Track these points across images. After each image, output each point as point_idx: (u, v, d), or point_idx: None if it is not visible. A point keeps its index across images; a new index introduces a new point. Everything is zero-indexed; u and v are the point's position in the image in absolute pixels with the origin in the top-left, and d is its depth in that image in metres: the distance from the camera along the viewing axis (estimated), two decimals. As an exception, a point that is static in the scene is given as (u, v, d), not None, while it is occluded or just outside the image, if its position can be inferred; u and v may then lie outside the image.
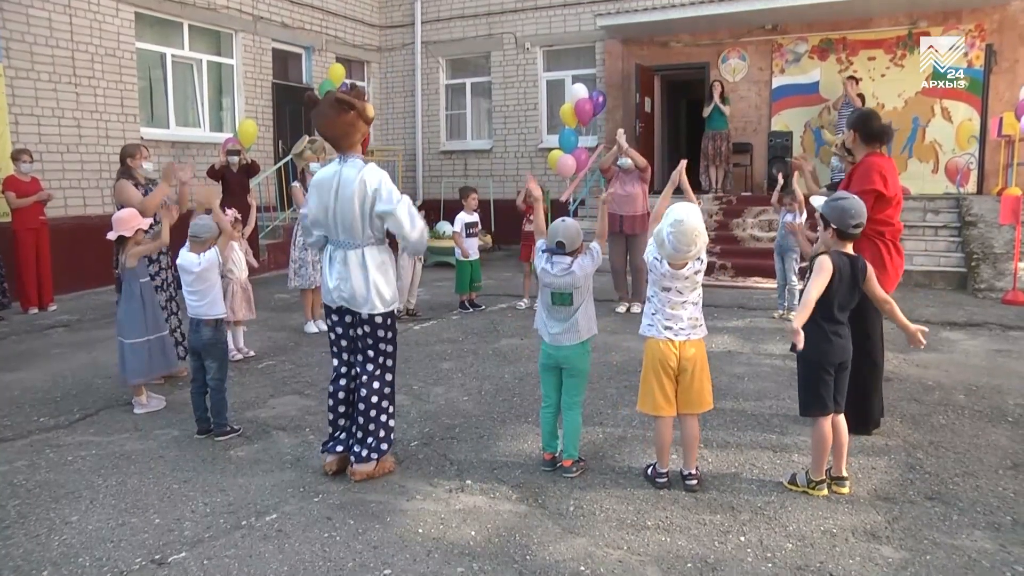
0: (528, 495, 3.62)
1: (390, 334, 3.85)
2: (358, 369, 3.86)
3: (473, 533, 3.26)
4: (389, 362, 3.87)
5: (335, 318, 3.86)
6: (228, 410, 4.54)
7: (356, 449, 3.83)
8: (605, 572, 2.93)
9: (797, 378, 3.70)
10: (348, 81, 13.22)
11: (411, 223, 3.68)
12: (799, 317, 3.41)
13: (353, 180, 3.64)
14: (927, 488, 3.65)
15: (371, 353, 3.81)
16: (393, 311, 3.86)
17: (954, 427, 4.48)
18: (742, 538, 3.19)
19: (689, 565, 2.98)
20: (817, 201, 3.72)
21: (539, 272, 3.84)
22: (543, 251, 3.87)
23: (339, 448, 3.90)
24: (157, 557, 3.08)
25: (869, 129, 4.48)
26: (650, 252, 3.62)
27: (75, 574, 2.97)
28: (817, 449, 3.58)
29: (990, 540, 3.15)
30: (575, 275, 3.74)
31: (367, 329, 3.78)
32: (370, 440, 3.81)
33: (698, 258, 3.56)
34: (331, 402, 3.94)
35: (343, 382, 3.91)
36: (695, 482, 3.67)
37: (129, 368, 4.88)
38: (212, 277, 4.57)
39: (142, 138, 10.65)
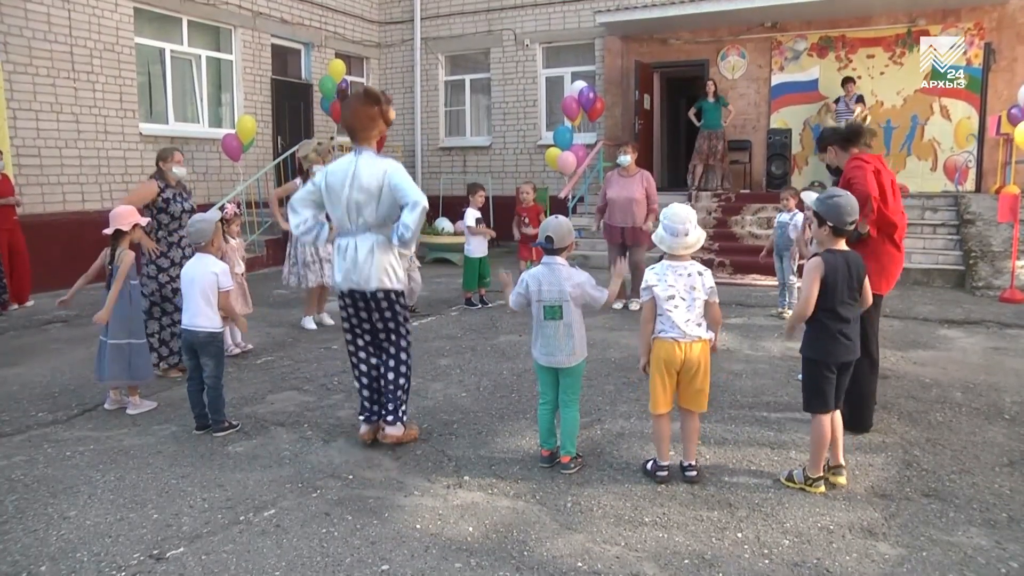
0: (526, 491, 3.63)
1: (401, 316, 4.12)
2: (379, 350, 4.17)
3: (471, 529, 3.27)
4: (404, 342, 4.14)
5: (347, 300, 4.11)
6: (225, 406, 4.54)
7: (389, 416, 4.14)
8: (602, 568, 2.94)
9: (802, 376, 3.70)
10: (348, 78, 13.21)
11: (418, 223, 3.89)
12: (792, 317, 3.55)
13: (374, 171, 3.86)
14: (924, 485, 3.66)
15: (384, 335, 4.12)
16: (402, 292, 4.10)
17: (951, 424, 4.49)
18: (739, 534, 3.20)
19: (686, 561, 2.99)
20: (809, 198, 3.75)
21: (530, 289, 3.83)
22: (537, 245, 3.92)
23: (373, 418, 4.23)
24: (155, 552, 3.09)
25: (842, 135, 4.63)
26: (647, 282, 3.66)
27: (73, 569, 2.97)
28: (816, 446, 3.59)
29: (986, 537, 3.16)
30: (564, 293, 3.76)
31: (382, 307, 4.04)
32: (391, 406, 4.15)
33: (699, 271, 3.63)
34: (357, 382, 4.27)
35: (363, 367, 4.20)
36: (695, 473, 3.70)
37: (108, 369, 4.77)
38: (202, 289, 4.46)
39: (141, 133, 10.65)
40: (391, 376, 4.13)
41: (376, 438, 4.20)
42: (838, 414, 3.69)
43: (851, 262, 3.56)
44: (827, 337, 3.52)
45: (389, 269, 3.98)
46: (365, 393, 4.23)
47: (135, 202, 5.45)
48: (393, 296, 4.04)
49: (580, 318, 3.83)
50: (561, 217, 3.93)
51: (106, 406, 4.93)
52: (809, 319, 3.62)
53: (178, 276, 5.54)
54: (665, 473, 3.70)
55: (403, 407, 4.21)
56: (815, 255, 3.61)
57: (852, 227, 3.57)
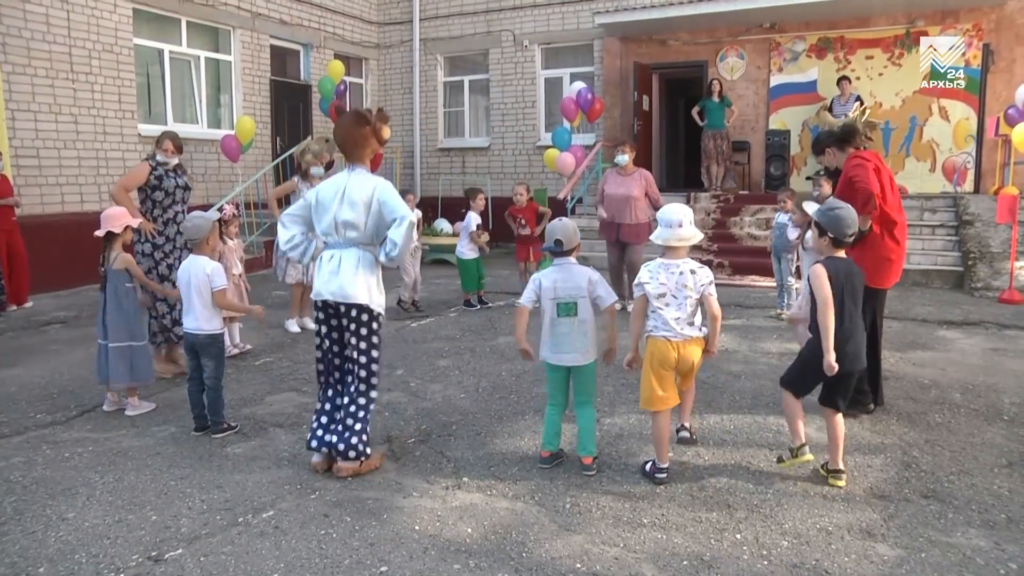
0: (525, 492, 3.63)
1: (375, 339, 3.87)
2: (344, 382, 3.93)
3: (470, 530, 3.26)
4: (371, 378, 3.88)
5: (322, 315, 3.91)
6: (225, 407, 4.53)
7: (341, 448, 3.80)
8: (601, 569, 2.94)
9: (797, 356, 3.78)
10: (347, 79, 13.21)
11: (406, 238, 3.77)
12: (827, 343, 3.48)
13: (364, 187, 3.80)
14: (923, 486, 3.66)
15: (356, 354, 3.84)
16: (381, 315, 3.91)
17: (950, 425, 4.50)
18: (738, 535, 3.20)
19: (685, 563, 2.98)
20: (810, 208, 3.81)
21: (543, 287, 3.83)
22: (546, 248, 3.95)
23: (324, 449, 3.87)
24: (154, 554, 3.08)
25: (837, 136, 4.74)
26: (639, 278, 3.71)
27: (71, 571, 2.97)
28: (789, 419, 3.75)
29: (985, 538, 3.16)
30: (581, 289, 3.79)
31: (358, 327, 3.82)
32: (350, 437, 3.80)
33: (692, 269, 3.65)
34: (318, 402, 3.99)
35: (323, 379, 3.98)
36: (687, 434, 3.79)
37: (112, 372, 4.76)
38: (197, 290, 4.44)
39: (139, 134, 10.64)
40: (348, 413, 3.83)
41: (330, 468, 3.87)
42: (840, 418, 3.71)
43: (851, 270, 3.60)
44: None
45: (371, 287, 3.83)
46: (323, 420, 3.92)
47: (128, 185, 5.58)
48: (366, 317, 3.82)
49: (593, 316, 3.85)
50: (565, 219, 3.98)
51: (104, 407, 4.92)
52: (812, 328, 3.64)
53: (172, 252, 5.61)
54: (664, 475, 3.71)
55: (361, 441, 3.82)
56: (816, 262, 3.63)
57: (851, 239, 3.62)
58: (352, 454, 3.79)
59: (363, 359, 3.85)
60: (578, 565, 2.97)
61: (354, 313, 3.80)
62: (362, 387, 3.87)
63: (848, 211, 3.58)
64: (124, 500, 3.59)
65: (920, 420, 4.58)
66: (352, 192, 3.80)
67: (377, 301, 3.87)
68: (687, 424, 4.04)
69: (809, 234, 4.04)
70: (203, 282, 4.43)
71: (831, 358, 3.46)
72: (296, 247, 4.05)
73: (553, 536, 3.20)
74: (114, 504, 3.55)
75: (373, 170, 4.03)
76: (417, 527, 3.29)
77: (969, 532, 3.21)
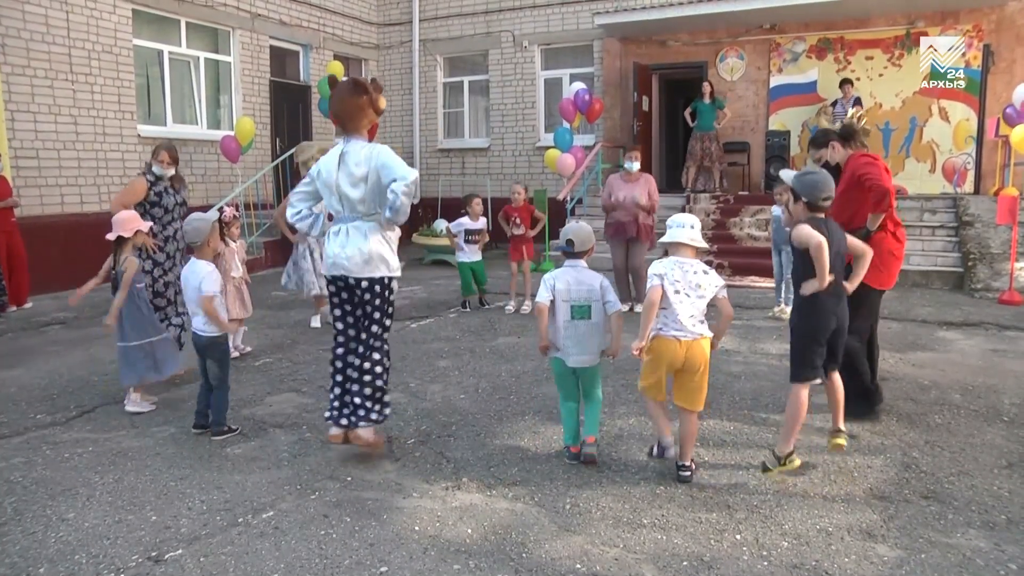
0: (524, 493, 3.63)
1: (389, 306, 4.02)
2: (360, 341, 4.04)
3: (469, 531, 3.26)
4: (381, 341, 4.03)
5: (333, 288, 4.04)
6: (227, 409, 4.52)
7: (361, 414, 3.97)
8: (601, 570, 2.94)
9: (790, 347, 3.78)
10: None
11: (408, 190, 3.78)
12: (819, 269, 3.53)
13: (361, 155, 3.83)
14: (923, 487, 3.66)
15: (366, 322, 3.99)
16: (393, 280, 4.00)
17: (950, 426, 4.50)
18: (738, 536, 3.20)
19: (685, 563, 2.98)
20: (787, 175, 3.86)
21: (557, 289, 3.83)
22: (559, 249, 3.97)
23: (342, 421, 4.02)
24: (154, 554, 3.08)
25: (839, 134, 4.82)
26: (655, 269, 3.71)
27: (71, 571, 2.97)
28: (791, 418, 3.67)
29: (985, 539, 3.16)
30: (594, 291, 3.82)
31: (366, 298, 3.95)
32: (370, 405, 3.99)
33: (704, 270, 3.67)
34: (331, 369, 4.13)
35: (340, 351, 4.09)
36: (688, 473, 3.73)
37: (138, 367, 4.82)
38: (194, 295, 4.46)
39: (139, 135, 10.64)
40: (367, 378, 3.97)
41: (347, 439, 4.02)
42: (838, 376, 3.80)
43: (831, 228, 3.66)
44: (819, 313, 3.61)
45: (380, 257, 3.89)
46: (337, 391, 4.06)
47: (126, 201, 5.45)
48: (379, 288, 3.93)
49: (604, 319, 3.86)
50: (582, 222, 3.98)
51: (127, 408, 4.89)
52: (795, 284, 3.73)
53: (171, 269, 5.61)
54: (671, 448, 3.82)
55: (375, 410, 4.01)
56: (799, 222, 3.66)
57: (827, 203, 3.67)
58: (363, 415, 3.96)
59: (376, 328, 3.99)
60: (578, 566, 2.97)
61: (365, 284, 3.92)
62: (376, 343, 3.99)
63: (822, 175, 3.66)
64: (124, 500, 3.59)
65: (920, 421, 4.58)
66: (350, 160, 3.84)
67: (393, 265, 3.96)
68: (687, 463, 3.73)
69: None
70: (197, 287, 4.45)
71: (823, 282, 3.52)
72: (303, 219, 4.16)
73: (553, 537, 3.20)
74: (114, 504, 3.55)
75: (370, 141, 4.03)
76: (417, 528, 3.29)
77: (969, 533, 3.21)
